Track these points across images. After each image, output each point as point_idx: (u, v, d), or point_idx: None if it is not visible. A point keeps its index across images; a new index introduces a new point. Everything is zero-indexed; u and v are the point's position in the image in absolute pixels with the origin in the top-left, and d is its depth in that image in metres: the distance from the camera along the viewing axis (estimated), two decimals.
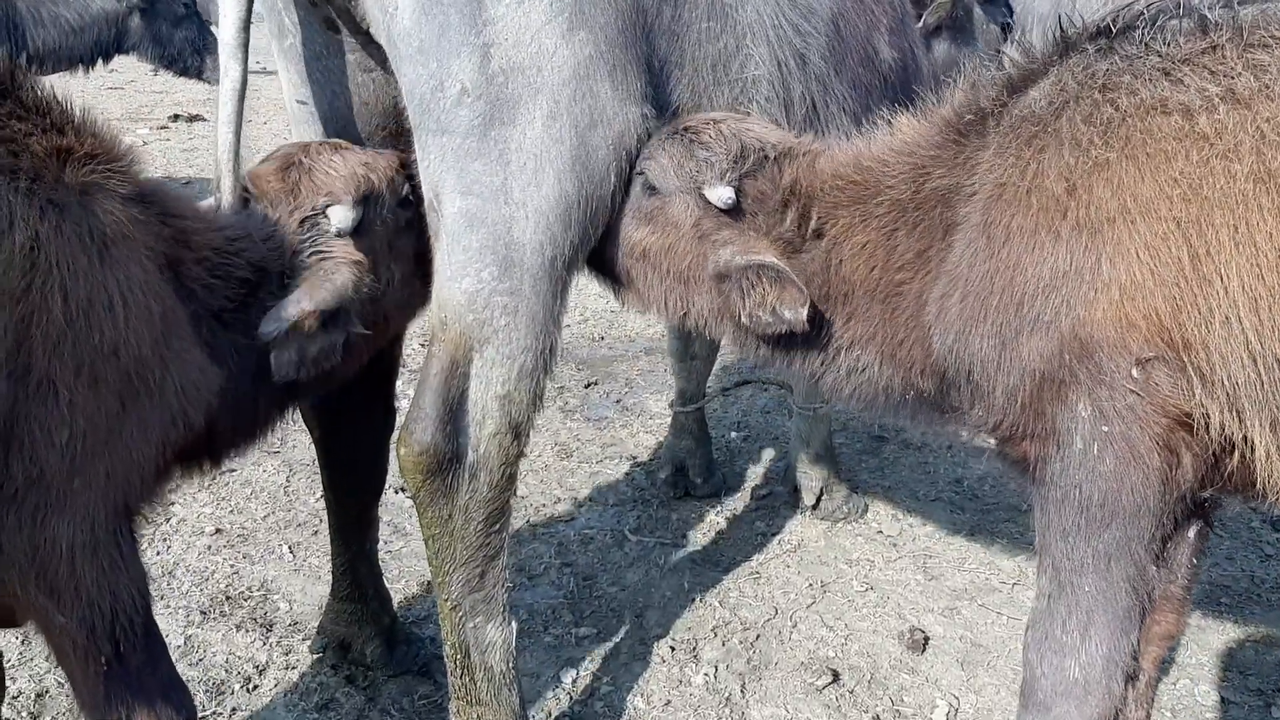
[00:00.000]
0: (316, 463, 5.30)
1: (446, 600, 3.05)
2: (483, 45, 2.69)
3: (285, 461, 5.39)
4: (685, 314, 2.99)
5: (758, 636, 4.09)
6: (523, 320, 2.85)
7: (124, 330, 2.27)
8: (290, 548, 4.68)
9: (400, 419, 3.15)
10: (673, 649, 4.02)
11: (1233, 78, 2.23)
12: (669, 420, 6.11)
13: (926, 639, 4.06)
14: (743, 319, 2.79)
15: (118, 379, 2.29)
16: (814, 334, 2.83)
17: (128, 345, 2.29)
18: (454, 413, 2.91)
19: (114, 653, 2.36)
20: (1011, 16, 6.46)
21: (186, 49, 9.67)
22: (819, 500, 4.96)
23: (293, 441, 5.33)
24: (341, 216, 2.81)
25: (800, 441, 5.03)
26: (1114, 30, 2.42)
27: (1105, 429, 2.32)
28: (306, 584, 4.41)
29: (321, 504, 5.05)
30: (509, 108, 2.73)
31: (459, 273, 2.83)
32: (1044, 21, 6.89)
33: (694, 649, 4.03)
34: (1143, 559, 2.38)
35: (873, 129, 2.93)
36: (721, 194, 2.82)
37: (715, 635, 4.10)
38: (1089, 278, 2.31)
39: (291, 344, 2.67)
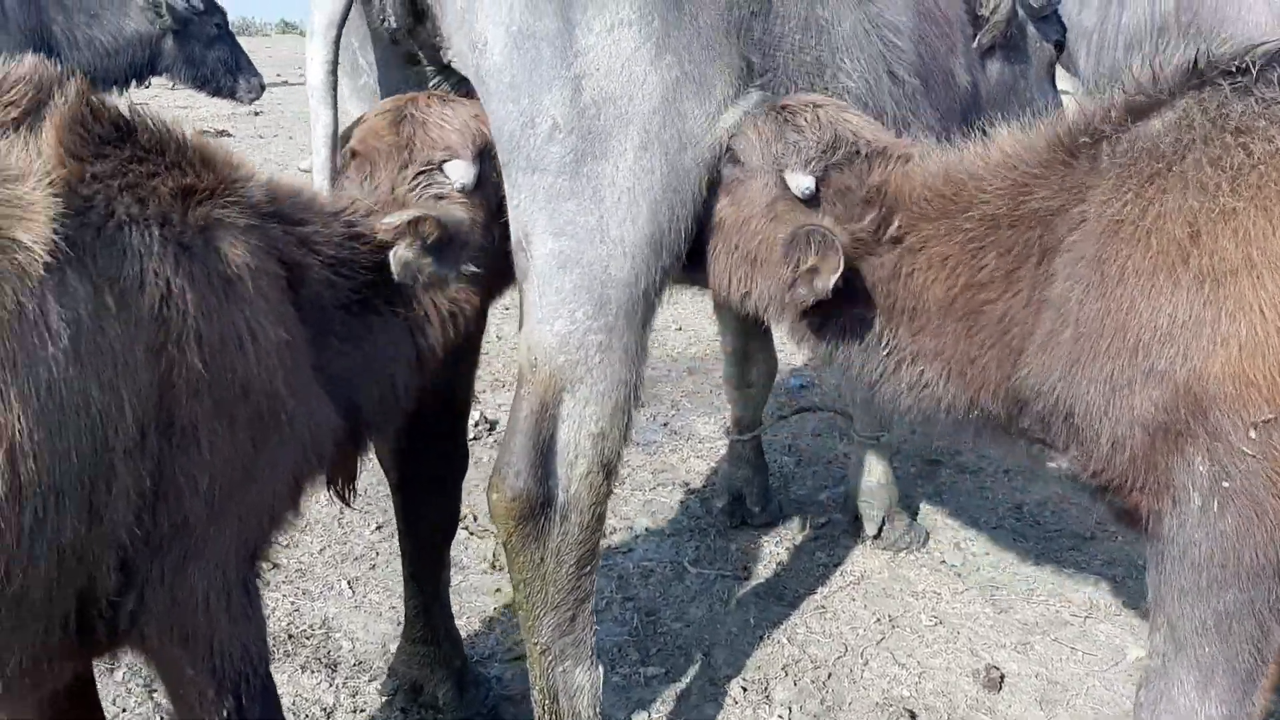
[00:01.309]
0: (368, 493, 5.36)
1: (536, 645, 3.00)
2: (574, 77, 2.65)
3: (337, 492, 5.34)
4: (746, 294, 2.91)
5: (829, 675, 4.02)
6: (617, 355, 2.81)
7: (254, 366, 2.25)
8: (349, 583, 4.63)
9: None
10: (744, 689, 3.95)
11: None
12: (719, 444, 6.08)
13: (1002, 676, 3.98)
14: (785, 289, 2.71)
15: (250, 418, 2.26)
16: (877, 340, 2.75)
17: (259, 381, 2.26)
18: (544, 455, 2.86)
19: (236, 707, 2.34)
20: (1065, 34, 6.38)
21: (220, 69, 9.68)
22: (881, 529, 4.89)
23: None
24: (462, 171, 2.76)
25: (861, 469, 4.96)
26: (1253, 69, 2.34)
27: (1225, 485, 2.25)
28: (368, 621, 4.36)
29: (376, 536, 5.05)
30: (600, 141, 2.69)
31: (551, 315, 2.78)
32: (1088, 37, 6.84)
33: (766, 689, 3.96)
34: (1266, 619, 2.31)
35: (965, 141, 2.85)
36: (801, 182, 2.74)
37: (786, 674, 4.03)
38: (1208, 330, 2.24)
39: (409, 245, 2.61)
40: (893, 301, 2.69)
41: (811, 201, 2.75)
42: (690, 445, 6.06)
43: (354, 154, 2.84)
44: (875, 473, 4.92)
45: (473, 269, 2.77)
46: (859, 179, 2.77)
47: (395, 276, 2.60)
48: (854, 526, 5.04)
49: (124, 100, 2.34)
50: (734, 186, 2.87)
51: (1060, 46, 6.18)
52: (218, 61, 9.70)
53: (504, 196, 2.86)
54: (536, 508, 2.86)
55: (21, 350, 1.88)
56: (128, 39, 9.12)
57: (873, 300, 2.72)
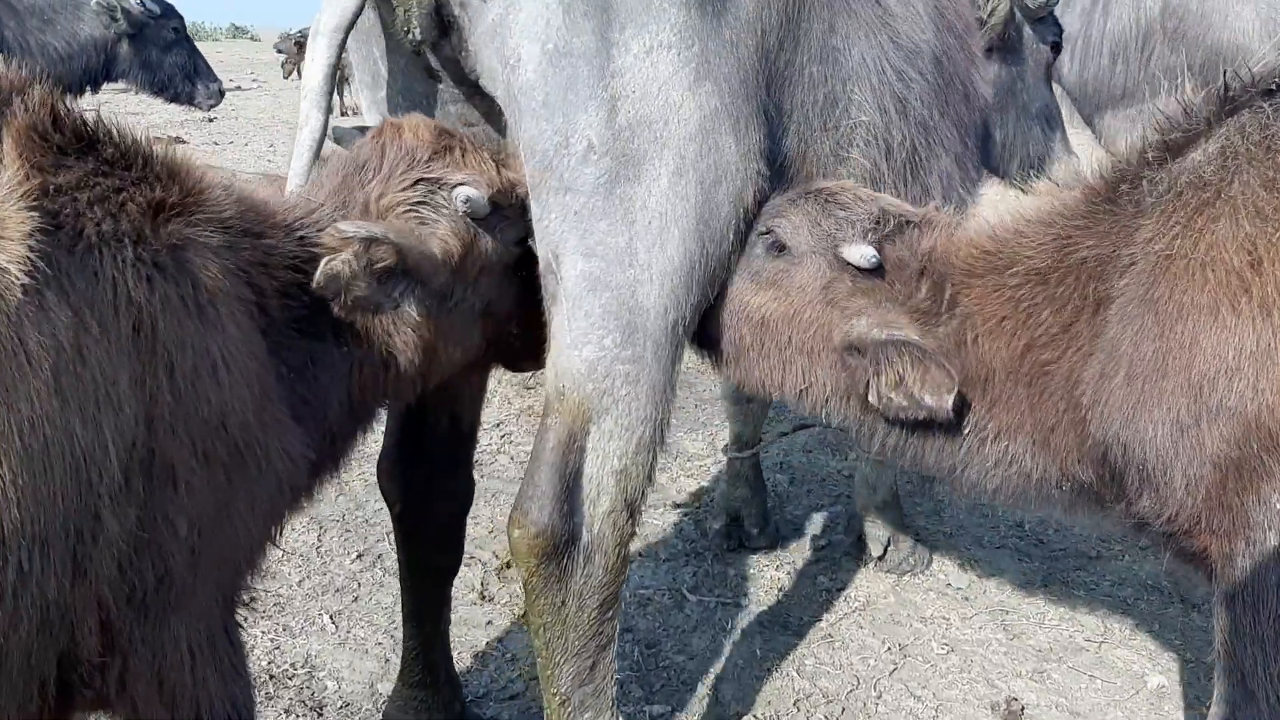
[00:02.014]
0: (347, 519, 5.13)
1: (555, 695, 2.81)
2: (610, 98, 2.52)
3: (314, 519, 5.10)
4: (804, 390, 2.75)
5: (843, 710, 3.85)
6: (644, 389, 2.65)
7: (229, 397, 2.06)
8: (331, 617, 4.39)
9: None
10: None
11: None
12: (708, 461, 5.91)
13: (1022, 709, 3.84)
14: (871, 399, 2.55)
15: (226, 453, 2.07)
16: (952, 423, 2.60)
17: (233, 413, 2.07)
18: (570, 490, 2.68)
19: None
20: (1061, 36, 6.29)
21: (177, 75, 9.39)
22: (885, 552, 4.74)
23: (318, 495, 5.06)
24: (475, 199, 2.53)
25: (866, 489, 4.81)
26: None
27: None
28: (353, 659, 4.12)
29: (358, 566, 4.81)
30: (635, 164, 2.55)
31: (580, 340, 2.62)
32: (1072, 44, 6.74)
33: None
34: None
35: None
36: (864, 252, 2.61)
37: (798, 709, 3.86)
38: (1279, 360, 2.11)
39: (349, 261, 2.29)
40: (964, 376, 2.54)
41: (871, 276, 2.63)
42: (679, 464, 5.88)
43: (385, 129, 2.59)
44: (880, 492, 4.77)
45: (412, 313, 2.47)
46: (910, 249, 2.66)
47: (314, 283, 2.29)
48: (855, 548, 4.89)
49: (80, 106, 2.09)
50: (779, 277, 2.74)
51: (1057, 48, 6.10)
52: (175, 67, 9.41)
53: (491, 263, 2.68)
54: (560, 546, 2.68)
55: None
56: (82, 44, 8.82)
57: None
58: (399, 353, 2.54)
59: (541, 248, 2.64)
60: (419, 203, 2.54)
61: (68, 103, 2.04)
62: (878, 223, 2.65)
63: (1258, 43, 5.58)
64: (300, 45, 29.88)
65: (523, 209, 2.69)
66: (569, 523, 2.67)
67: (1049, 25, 5.75)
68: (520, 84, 2.54)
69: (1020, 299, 2.51)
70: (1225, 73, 2.38)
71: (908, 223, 2.66)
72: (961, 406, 2.56)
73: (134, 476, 1.90)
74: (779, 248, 2.72)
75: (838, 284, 2.66)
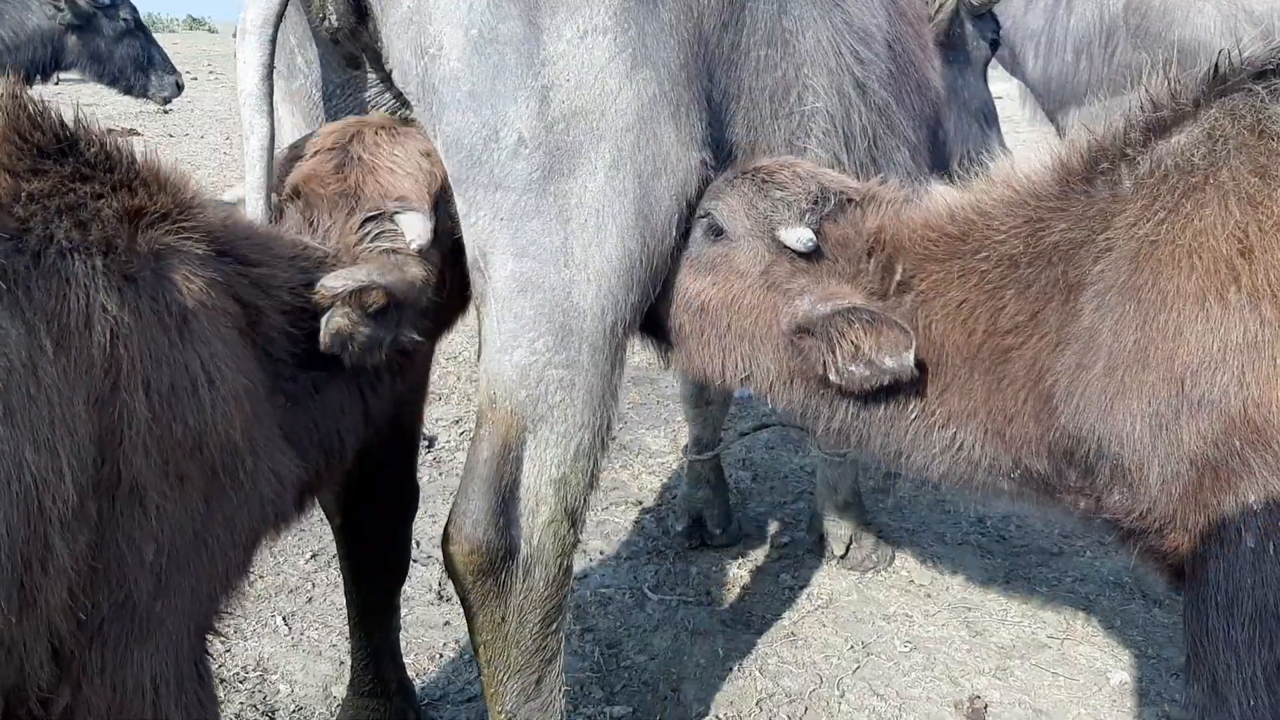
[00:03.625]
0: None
1: (500, 712, 2.72)
2: (541, 88, 2.39)
3: None
4: (748, 376, 2.68)
5: (806, 710, 3.80)
6: (580, 395, 2.55)
7: (210, 416, 1.95)
8: (284, 619, 4.29)
9: None
10: None
11: None
12: (670, 458, 5.85)
13: (985, 706, 3.81)
14: (831, 376, 2.46)
15: (202, 475, 1.95)
16: (900, 407, 2.54)
17: (214, 433, 1.96)
18: (505, 503, 2.59)
19: None
20: (999, 33, 6.31)
21: (129, 66, 9.20)
22: (848, 550, 4.70)
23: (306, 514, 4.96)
24: (419, 228, 2.46)
25: (827, 488, 4.76)
26: None
27: None
28: (307, 661, 4.03)
29: (311, 566, 4.71)
30: (569, 158, 2.43)
31: (509, 344, 2.52)
32: (1036, 40, 6.76)
33: None
34: None
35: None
36: (800, 235, 2.52)
37: (760, 709, 3.80)
38: (1266, 352, 2.05)
39: (347, 313, 2.29)
40: (915, 359, 2.45)
41: (811, 258, 2.54)
42: (641, 460, 5.81)
43: (295, 193, 2.53)
44: (842, 491, 4.73)
45: (413, 335, 2.49)
46: (855, 228, 2.58)
47: (322, 343, 2.30)
48: (818, 545, 4.84)
49: (61, 106, 1.99)
50: (717, 262, 2.66)
51: (995, 45, 6.12)
52: (126, 59, 9.21)
53: (459, 242, 2.60)
54: (498, 560, 2.59)
55: None
56: (29, 35, 8.62)
57: None
58: (409, 363, 2.62)
59: (468, 244, 2.53)
60: (376, 237, 2.49)
61: (42, 100, 1.93)
62: (816, 202, 2.56)
63: (1219, 39, 5.60)
64: None
65: None
66: (505, 536, 2.58)
67: (988, 22, 5.75)
68: (442, 74, 2.41)
69: (986, 284, 2.42)
70: (1218, 53, 2.32)
71: (849, 200, 2.57)
72: (910, 391, 2.50)
73: (88, 500, 1.78)
74: (716, 232, 2.64)
75: (777, 267, 2.58)
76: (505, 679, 2.69)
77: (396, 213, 2.48)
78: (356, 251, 2.45)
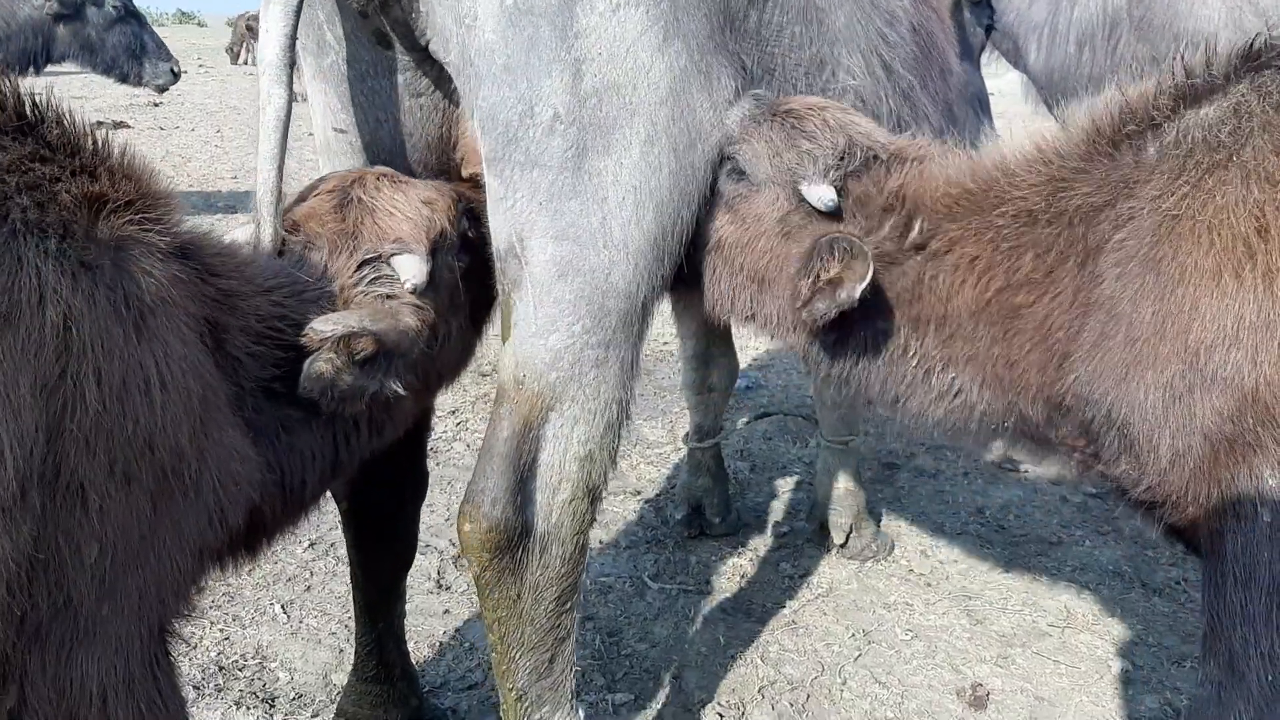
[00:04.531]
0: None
1: (511, 689, 2.70)
2: (574, 61, 2.36)
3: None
4: (752, 316, 2.69)
5: (808, 697, 3.80)
6: (612, 371, 2.54)
7: (160, 417, 1.85)
8: (283, 607, 4.26)
9: None
10: (720, 715, 3.70)
11: None
12: (667, 449, 5.84)
13: (988, 694, 3.80)
14: (799, 304, 2.46)
15: (151, 476, 1.86)
16: (902, 351, 2.54)
17: (164, 435, 1.86)
18: (524, 481, 2.57)
19: None
20: (994, 20, 6.29)
21: (121, 55, 9.14)
22: (848, 539, 4.69)
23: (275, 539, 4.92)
24: (415, 270, 2.41)
25: (828, 476, 4.75)
26: None
27: None
28: (306, 649, 4.00)
29: (310, 555, 4.68)
30: (604, 134, 2.41)
31: (546, 328, 2.49)
32: (1038, 31, 6.75)
33: (742, 713, 3.72)
34: None
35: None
36: (823, 194, 2.51)
37: (763, 697, 3.79)
38: (1278, 332, 2.05)
39: (331, 359, 2.23)
40: (918, 310, 2.47)
41: (831, 214, 2.53)
42: (639, 451, 5.80)
43: (294, 228, 2.49)
44: (843, 479, 4.72)
45: (397, 388, 2.39)
46: (877, 185, 2.55)
47: (301, 386, 2.22)
48: (817, 534, 4.83)
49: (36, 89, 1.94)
50: (737, 202, 2.64)
51: (989, 32, 6.11)
52: (118, 46, 9.15)
53: (455, 291, 2.58)
54: (514, 538, 2.57)
55: None
56: (20, 25, 8.57)
57: (895, 310, 2.50)
58: (390, 420, 2.56)
59: (504, 229, 2.49)
60: (373, 281, 2.43)
61: (11, 80, 1.88)
62: (843, 158, 2.53)
63: (1224, 31, 5.59)
64: (250, 27, 29.35)
65: (456, 220, 2.61)
66: (522, 514, 2.56)
67: (984, 9, 5.75)
68: (478, 46, 2.38)
69: (1004, 241, 2.41)
70: (1257, 33, 2.30)
71: (875, 158, 2.55)
72: (910, 338, 2.51)
73: (31, 490, 1.69)
74: (739, 173, 2.62)
75: (794, 215, 2.56)
76: (518, 656, 2.67)
77: (393, 254, 2.44)
78: (351, 294, 2.40)
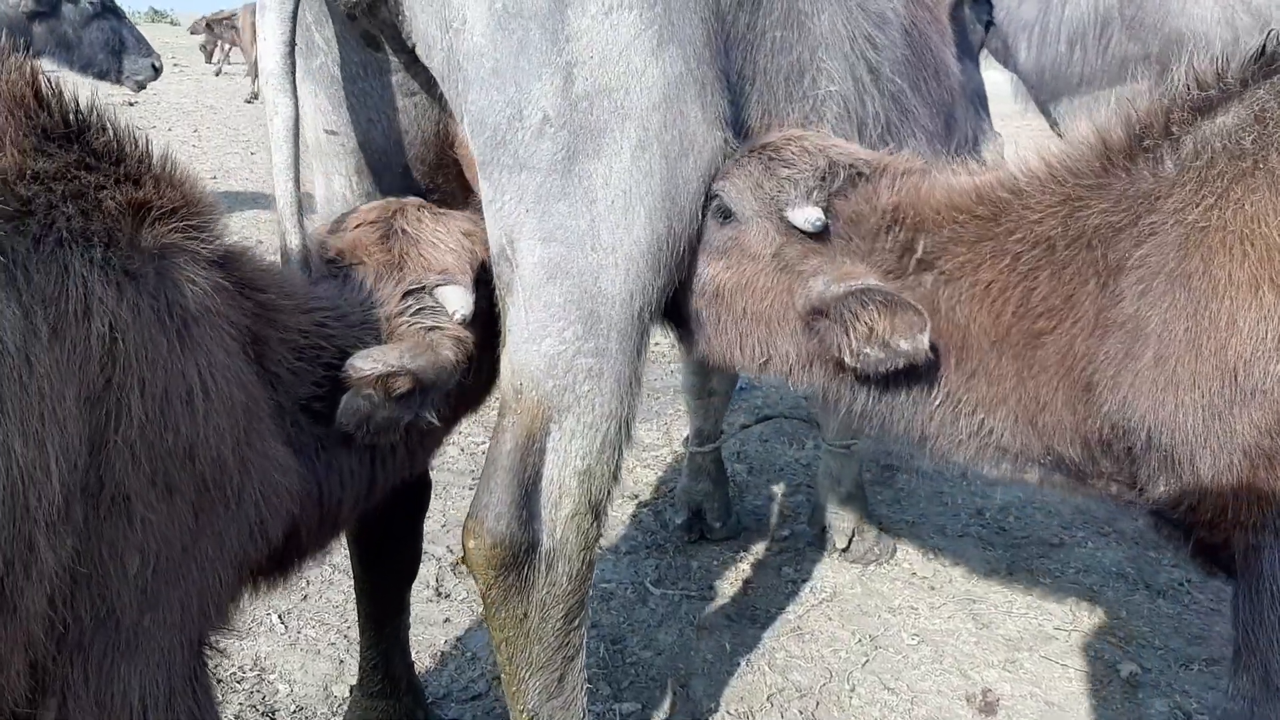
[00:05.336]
0: None
1: (522, 711, 2.64)
2: (565, 64, 2.31)
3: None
4: (766, 361, 2.61)
5: (817, 704, 3.75)
6: (608, 384, 2.48)
7: (202, 427, 1.84)
8: (280, 617, 4.19)
9: None
10: None
11: None
12: (663, 451, 5.79)
13: (998, 699, 3.77)
14: (846, 359, 2.39)
15: (192, 487, 1.85)
16: (925, 391, 2.48)
17: (206, 445, 1.85)
18: (528, 495, 2.51)
19: None
20: (993, 16, 6.28)
21: (99, 51, 9.00)
22: (850, 542, 4.65)
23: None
24: (461, 300, 2.41)
25: (830, 480, 4.71)
26: None
27: None
28: (305, 660, 3.93)
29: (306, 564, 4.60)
30: (594, 137, 2.36)
31: (538, 333, 2.44)
32: (1029, 30, 6.73)
33: None
34: None
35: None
36: (809, 215, 2.45)
37: (771, 704, 3.75)
38: None
39: (368, 394, 2.25)
40: (938, 341, 2.40)
41: (822, 237, 2.48)
42: (635, 454, 5.74)
43: (340, 258, 2.49)
44: (845, 483, 4.68)
45: (432, 419, 2.42)
46: (869, 202, 2.50)
47: (339, 420, 2.25)
48: (819, 538, 4.80)
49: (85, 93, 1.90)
50: (728, 247, 2.59)
51: (989, 28, 6.09)
52: (96, 43, 9.01)
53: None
54: (520, 555, 2.51)
55: None
56: None
57: None
58: (423, 446, 2.61)
59: (494, 232, 2.45)
60: (417, 312, 2.44)
61: (56, 84, 1.84)
62: (824, 178, 2.48)
63: (1216, 30, 5.58)
64: (210, 26, 28.98)
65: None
66: (528, 530, 2.50)
67: (984, 6, 5.74)
68: (466, 49, 2.33)
69: (1018, 265, 2.35)
70: (1267, 34, 2.26)
71: (859, 174, 2.50)
72: (935, 375, 2.44)
73: (74, 503, 1.68)
74: (726, 214, 2.57)
75: (789, 248, 2.51)
76: (527, 676, 2.61)
77: (439, 285, 2.45)
78: (396, 323, 2.40)
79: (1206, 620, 2.25)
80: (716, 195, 2.59)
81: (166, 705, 1.87)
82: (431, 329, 2.38)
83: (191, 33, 30.23)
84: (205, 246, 1.92)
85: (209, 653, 2.05)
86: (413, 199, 2.63)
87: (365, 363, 2.22)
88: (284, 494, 2.08)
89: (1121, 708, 3.75)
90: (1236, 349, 2.07)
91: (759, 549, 4.81)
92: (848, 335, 2.36)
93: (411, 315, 2.38)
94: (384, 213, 2.52)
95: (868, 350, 2.35)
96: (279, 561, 2.35)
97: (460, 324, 2.41)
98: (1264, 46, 2.24)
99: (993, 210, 2.42)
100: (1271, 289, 2.04)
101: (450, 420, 2.71)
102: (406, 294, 2.40)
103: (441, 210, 2.59)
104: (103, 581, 1.74)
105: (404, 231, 2.46)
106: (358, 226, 2.50)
